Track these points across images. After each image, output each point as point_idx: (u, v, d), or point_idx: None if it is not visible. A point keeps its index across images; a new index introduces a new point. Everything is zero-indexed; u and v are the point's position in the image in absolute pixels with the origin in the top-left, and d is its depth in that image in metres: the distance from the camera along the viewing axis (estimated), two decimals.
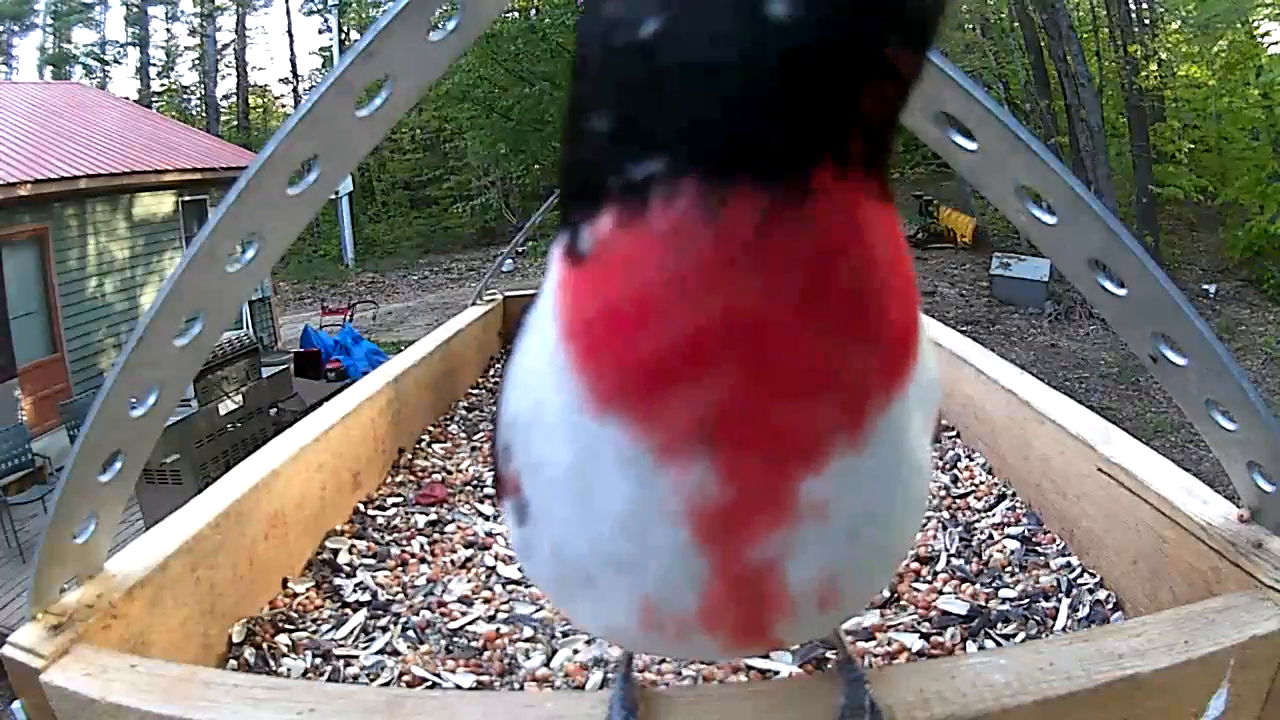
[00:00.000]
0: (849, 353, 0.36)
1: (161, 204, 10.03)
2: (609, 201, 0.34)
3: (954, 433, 1.32)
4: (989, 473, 1.19)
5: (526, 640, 0.90)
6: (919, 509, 0.49)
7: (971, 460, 1.23)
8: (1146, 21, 12.54)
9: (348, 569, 1.06)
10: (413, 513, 1.22)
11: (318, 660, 0.88)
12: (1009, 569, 0.96)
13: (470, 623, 0.94)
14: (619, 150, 0.33)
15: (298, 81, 21.74)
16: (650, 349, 0.33)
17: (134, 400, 0.66)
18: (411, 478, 1.34)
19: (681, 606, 0.42)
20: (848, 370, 0.36)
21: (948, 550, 1.01)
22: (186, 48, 21.00)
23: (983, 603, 0.90)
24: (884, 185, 0.35)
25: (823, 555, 0.41)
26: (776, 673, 0.81)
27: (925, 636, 0.86)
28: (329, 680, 0.85)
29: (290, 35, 21.76)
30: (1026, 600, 0.90)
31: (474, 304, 2.11)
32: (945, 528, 1.06)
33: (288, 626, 0.93)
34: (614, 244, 0.34)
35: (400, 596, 1.00)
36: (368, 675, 0.85)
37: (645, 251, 0.33)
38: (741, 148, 0.31)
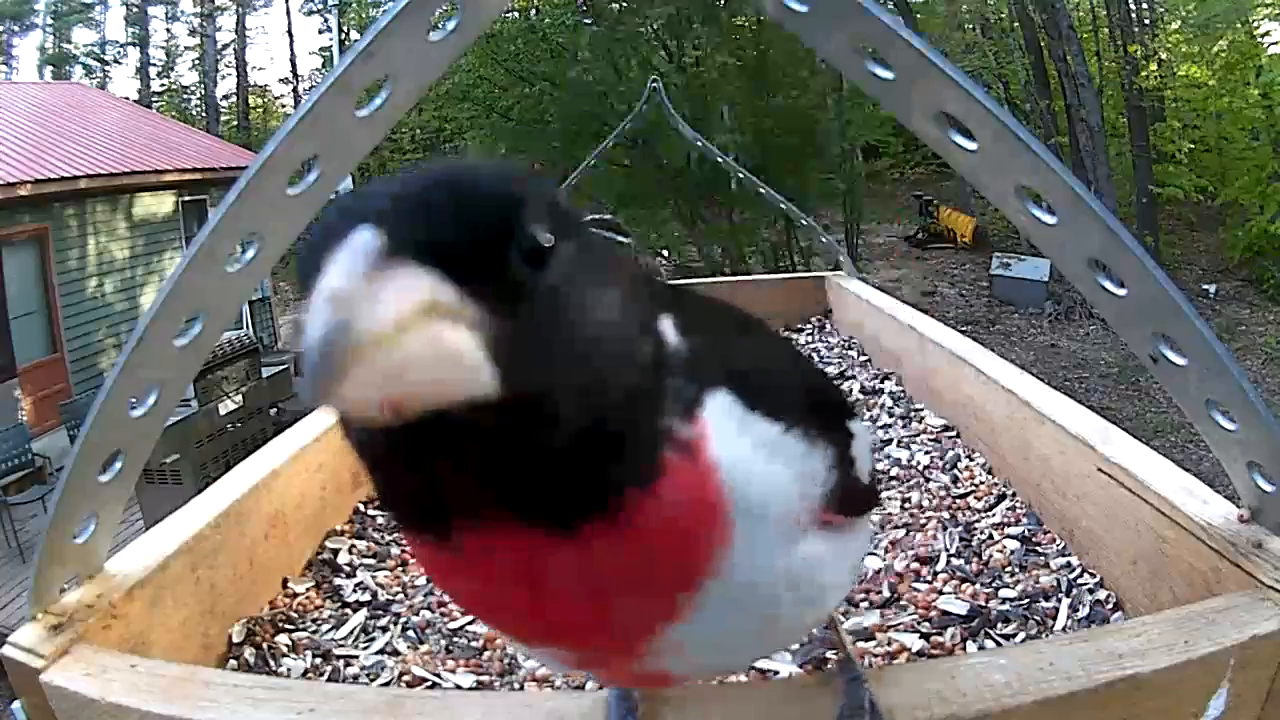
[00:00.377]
0: (612, 605, 0.40)
1: (161, 204, 10.03)
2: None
3: (954, 433, 1.32)
4: (989, 473, 1.19)
5: None
6: (820, 592, 0.51)
7: (971, 460, 1.23)
8: (1146, 21, 12.53)
9: (348, 569, 1.06)
10: None
11: (318, 660, 0.88)
12: (1009, 569, 0.96)
13: (470, 623, 0.94)
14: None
15: (298, 81, 21.73)
16: (461, 601, 0.46)
17: (134, 400, 0.66)
18: None
19: (591, 679, 0.53)
20: (621, 608, 0.40)
21: (948, 550, 1.01)
22: (186, 48, 21.00)
23: (983, 603, 0.90)
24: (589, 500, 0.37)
25: (696, 663, 0.49)
26: (776, 673, 0.81)
27: (925, 636, 0.86)
28: (329, 680, 0.85)
29: (290, 35, 21.76)
30: (1026, 600, 0.89)
31: None
32: (945, 528, 1.06)
33: (288, 626, 0.93)
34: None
35: (400, 596, 1.00)
36: (368, 675, 0.85)
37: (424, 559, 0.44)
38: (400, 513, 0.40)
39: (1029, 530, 1.02)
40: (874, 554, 1.02)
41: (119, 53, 20.37)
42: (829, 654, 0.81)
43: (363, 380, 0.29)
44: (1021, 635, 0.85)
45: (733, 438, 0.42)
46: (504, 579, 0.38)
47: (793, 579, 0.46)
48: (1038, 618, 0.87)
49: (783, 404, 0.46)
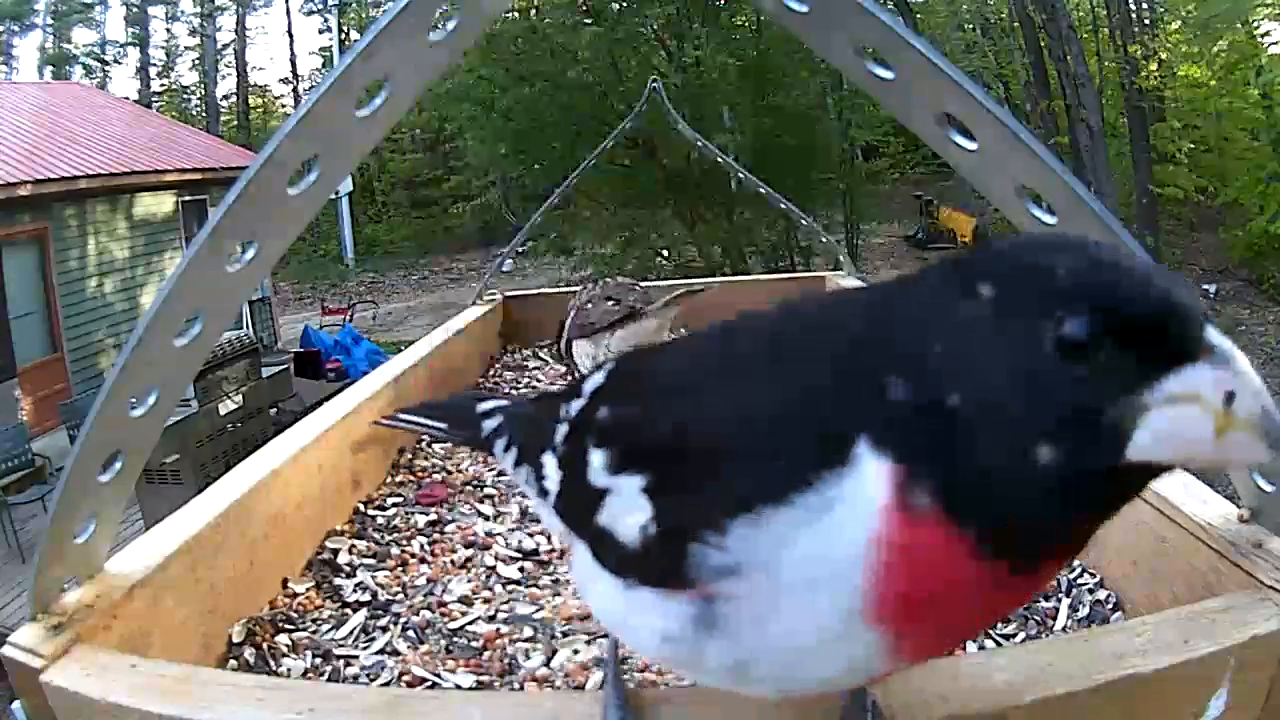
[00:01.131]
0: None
1: (161, 204, 10.04)
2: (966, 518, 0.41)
3: None
4: None
5: (526, 640, 0.90)
6: None
7: None
8: (1146, 21, 12.53)
9: (348, 569, 1.06)
10: (413, 513, 1.22)
11: (318, 660, 0.88)
12: None
13: (470, 623, 0.94)
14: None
15: (298, 81, 21.76)
16: (927, 614, 0.44)
17: (134, 400, 0.66)
18: (411, 478, 1.34)
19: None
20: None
21: None
22: (186, 48, 21.03)
23: None
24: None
25: None
26: None
27: None
28: (329, 680, 0.85)
29: (290, 35, 21.78)
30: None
31: (474, 304, 2.11)
32: None
33: (288, 626, 0.93)
34: (946, 546, 0.42)
35: (400, 596, 1.00)
36: (368, 675, 0.85)
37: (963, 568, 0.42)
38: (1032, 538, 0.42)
39: None
40: None
41: (119, 53, 20.41)
42: None
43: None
44: (1021, 635, 0.85)
45: None
46: (1011, 592, 0.45)
47: None
48: (1038, 618, 0.87)
49: None
